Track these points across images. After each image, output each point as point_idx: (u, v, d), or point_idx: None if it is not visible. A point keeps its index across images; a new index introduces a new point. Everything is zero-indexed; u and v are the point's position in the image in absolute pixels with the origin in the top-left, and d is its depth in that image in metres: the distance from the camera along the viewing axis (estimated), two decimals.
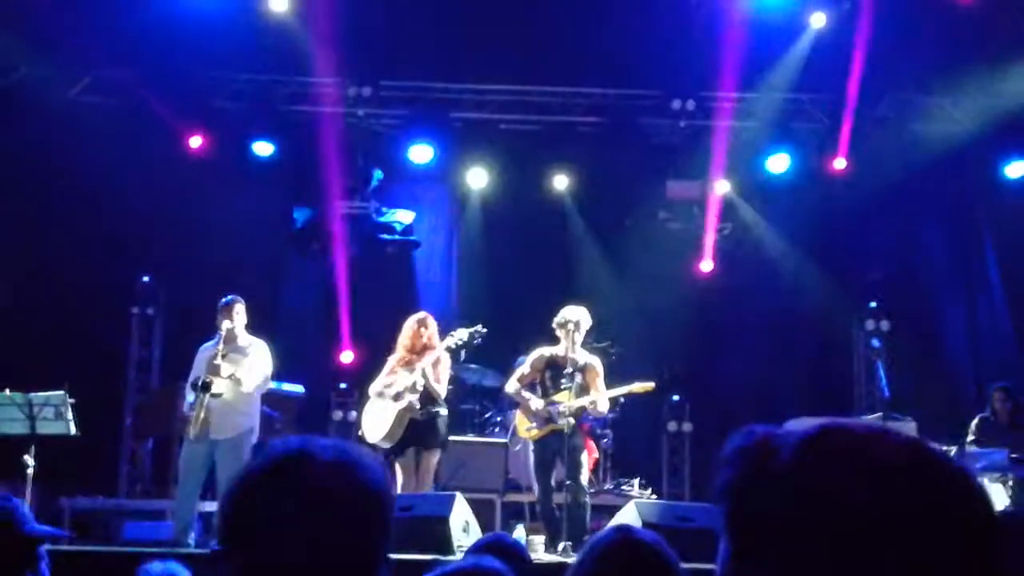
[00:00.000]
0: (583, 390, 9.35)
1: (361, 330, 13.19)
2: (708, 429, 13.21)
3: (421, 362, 9.52)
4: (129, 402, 13.20)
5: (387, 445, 9.57)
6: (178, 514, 9.33)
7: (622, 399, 10.50)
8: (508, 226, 13.98)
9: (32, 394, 9.37)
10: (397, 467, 9.56)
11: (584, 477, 9.26)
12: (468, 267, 14.16)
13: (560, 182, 13.96)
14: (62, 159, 12.18)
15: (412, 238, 14.01)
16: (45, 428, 9.39)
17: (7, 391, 9.33)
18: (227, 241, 12.75)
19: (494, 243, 14.06)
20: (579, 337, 9.41)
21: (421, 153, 13.39)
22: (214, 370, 9.12)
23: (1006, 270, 13.04)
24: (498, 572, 2.87)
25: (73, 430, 9.43)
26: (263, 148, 13.16)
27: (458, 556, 6.72)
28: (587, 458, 9.48)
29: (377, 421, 9.60)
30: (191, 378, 9.44)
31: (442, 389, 9.65)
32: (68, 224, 12.34)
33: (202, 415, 9.02)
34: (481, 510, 9.78)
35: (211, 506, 9.44)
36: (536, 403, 9.42)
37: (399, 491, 9.16)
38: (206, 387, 9.02)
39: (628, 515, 9.01)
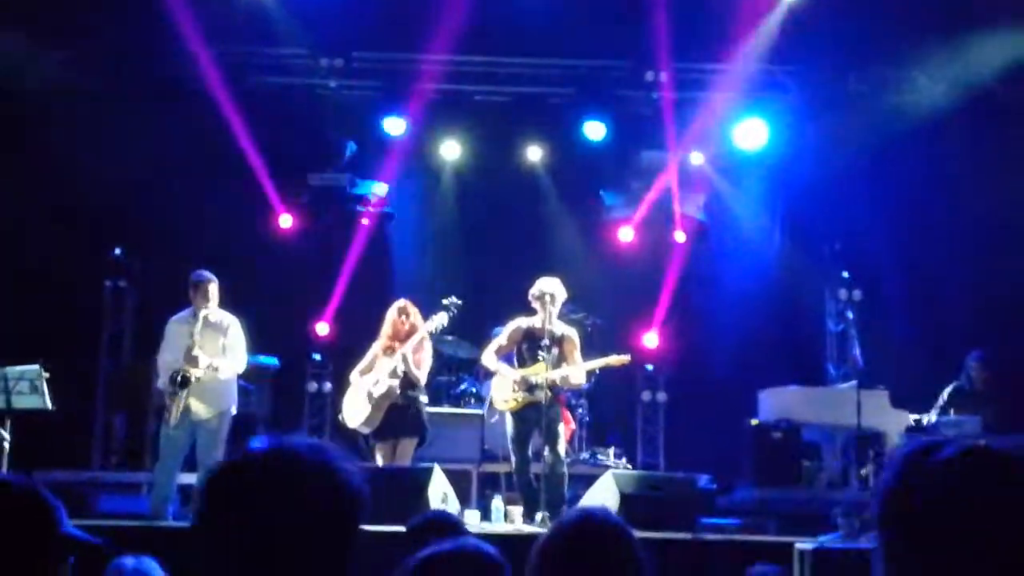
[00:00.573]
0: (560, 362, 9.40)
1: (336, 302, 13.20)
2: (682, 399, 13.34)
3: (403, 347, 9.55)
4: (102, 375, 13.14)
5: (366, 430, 9.63)
6: (156, 488, 9.31)
7: (597, 371, 10.55)
8: (482, 198, 14.00)
9: (7, 368, 9.34)
10: (377, 452, 9.62)
11: (561, 448, 9.32)
12: (442, 239, 14.16)
13: (534, 153, 13.97)
14: (32, 131, 12.09)
15: (387, 210, 13.99)
16: (20, 402, 9.37)
17: None
18: (199, 214, 12.69)
19: (468, 215, 14.09)
20: (555, 309, 9.46)
21: (394, 125, 13.35)
22: (192, 361, 9.10)
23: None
24: (485, 553, 2.79)
25: (49, 404, 9.42)
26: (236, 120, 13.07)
27: None
28: (564, 429, 9.54)
29: (357, 406, 9.67)
30: (163, 354, 9.43)
31: (422, 375, 9.69)
32: (40, 197, 12.23)
33: (181, 405, 9.03)
34: (457, 481, 9.84)
35: (188, 478, 9.44)
36: (513, 374, 9.46)
37: None
38: (185, 382, 9.02)
39: (605, 485, 9.09)
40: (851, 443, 11.59)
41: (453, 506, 8.97)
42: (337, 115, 13.71)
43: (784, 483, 11.19)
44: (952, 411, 10.66)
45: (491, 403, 10.48)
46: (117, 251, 13.25)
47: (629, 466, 12.04)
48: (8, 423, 9.24)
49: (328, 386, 13.13)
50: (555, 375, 9.30)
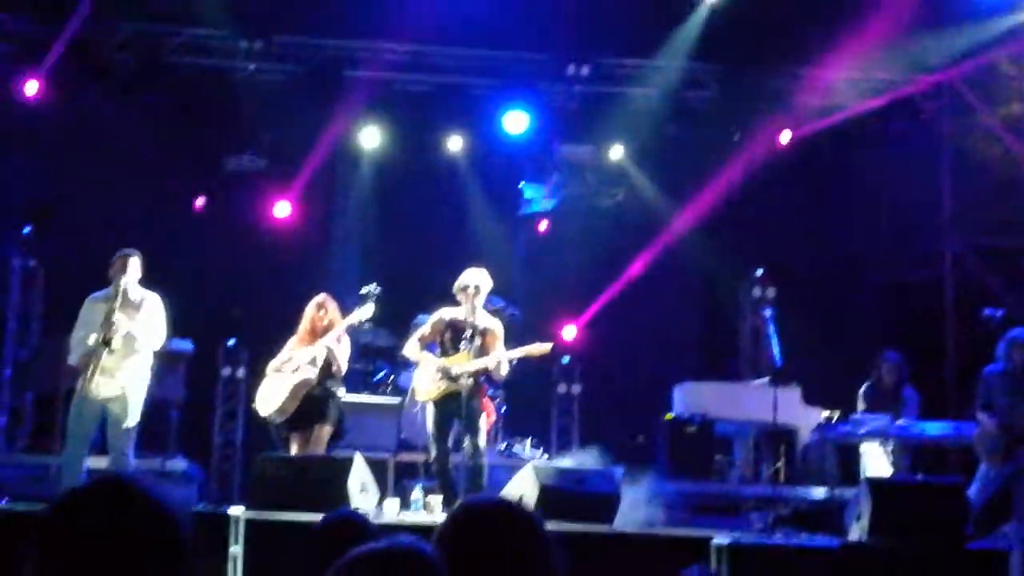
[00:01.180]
0: (482, 353, 9.40)
1: (252, 287, 13.06)
2: (597, 391, 13.43)
3: (324, 339, 9.47)
4: (8, 355, 12.84)
5: (279, 419, 9.50)
6: (65, 471, 9.10)
7: (513, 361, 10.55)
8: (403, 186, 13.94)
9: None
10: (291, 441, 9.53)
11: (482, 439, 9.33)
12: (362, 227, 14.07)
13: (455, 143, 13.93)
14: None
15: (304, 195, 13.84)
16: None
17: None
18: (113, 193, 12.46)
19: (389, 203, 14.02)
20: (480, 301, 9.45)
21: (312, 110, 13.21)
22: (111, 327, 8.91)
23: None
24: (420, 550, 2.68)
25: None
26: (149, 99, 12.86)
27: None
28: (485, 420, 9.55)
29: (271, 394, 9.53)
30: (76, 331, 9.21)
31: (342, 366, 9.62)
32: None
33: (96, 369, 8.83)
34: (374, 470, 9.78)
35: (97, 462, 9.25)
36: (435, 362, 9.44)
37: None
38: (107, 342, 8.83)
39: (525, 477, 9.11)
40: (763, 439, 11.78)
41: (372, 495, 8.93)
42: (254, 99, 13.53)
43: (697, 476, 11.34)
44: (867, 411, 10.88)
45: (412, 394, 10.44)
46: (26, 229, 12.93)
47: (546, 457, 12.08)
48: None
49: (242, 372, 12.97)
50: (477, 365, 9.30)
